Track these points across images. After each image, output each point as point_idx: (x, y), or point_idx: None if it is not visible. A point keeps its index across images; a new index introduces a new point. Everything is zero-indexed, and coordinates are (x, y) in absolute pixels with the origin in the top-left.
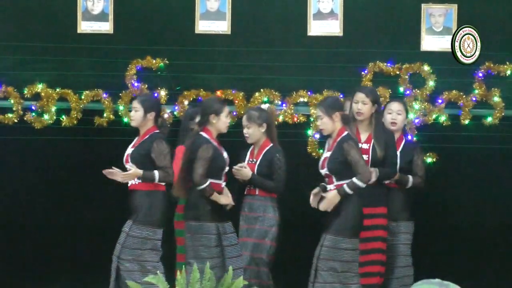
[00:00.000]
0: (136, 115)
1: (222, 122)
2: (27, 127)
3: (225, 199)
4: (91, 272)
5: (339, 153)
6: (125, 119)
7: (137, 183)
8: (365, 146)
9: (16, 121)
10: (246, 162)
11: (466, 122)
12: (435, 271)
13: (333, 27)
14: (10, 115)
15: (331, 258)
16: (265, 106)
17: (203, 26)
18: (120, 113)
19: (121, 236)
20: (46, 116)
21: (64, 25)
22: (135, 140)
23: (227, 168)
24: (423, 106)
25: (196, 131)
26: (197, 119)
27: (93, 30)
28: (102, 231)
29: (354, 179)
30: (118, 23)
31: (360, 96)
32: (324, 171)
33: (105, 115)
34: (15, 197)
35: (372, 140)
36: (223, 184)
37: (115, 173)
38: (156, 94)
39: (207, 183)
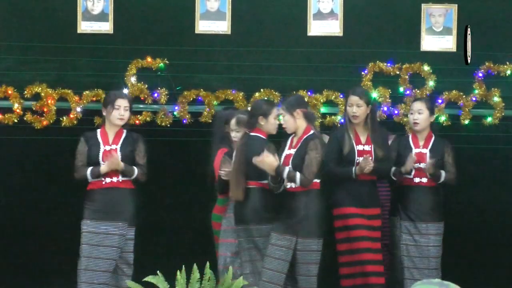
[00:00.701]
0: (127, 115)
1: (270, 124)
2: (27, 127)
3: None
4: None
5: (305, 150)
6: None
7: (121, 180)
8: (367, 148)
9: (16, 121)
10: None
11: (466, 122)
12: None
13: (333, 27)
14: (10, 115)
15: (306, 262)
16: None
17: (203, 26)
18: None
19: (120, 240)
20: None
21: (64, 25)
22: (99, 136)
23: (286, 168)
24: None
25: (245, 132)
26: (232, 121)
27: (93, 30)
28: None
29: (298, 174)
30: (118, 23)
31: (354, 99)
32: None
33: None
34: (15, 197)
35: (371, 142)
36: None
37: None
38: (156, 94)
39: (298, 175)
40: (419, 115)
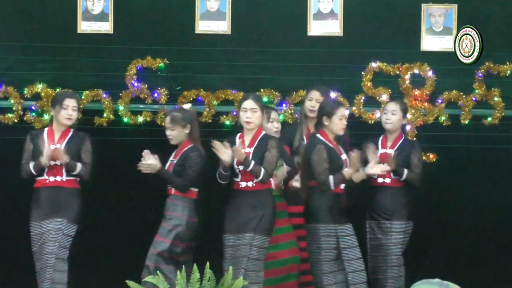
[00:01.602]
0: (75, 115)
1: (334, 124)
2: (27, 127)
3: (375, 168)
4: (91, 272)
5: (265, 148)
6: (125, 119)
7: (65, 179)
8: None
9: (16, 121)
10: (168, 163)
11: (466, 122)
12: (435, 271)
13: (333, 27)
14: (10, 115)
15: (259, 258)
16: (187, 106)
17: (203, 26)
18: (120, 113)
19: (57, 234)
20: (46, 116)
21: (64, 25)
22: (46, 134)
23: (346, 169)
24: (423, 106)
25: (313, 133)
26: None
27: (93, 30)
28: (102, 230)
29: (262, 169)
30: (118, 23)
31: (315, 94)
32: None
33: (105, 115)
34: (15, 197)
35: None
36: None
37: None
38: (156, 94)
39: (331, 179)
40: (392, 115)
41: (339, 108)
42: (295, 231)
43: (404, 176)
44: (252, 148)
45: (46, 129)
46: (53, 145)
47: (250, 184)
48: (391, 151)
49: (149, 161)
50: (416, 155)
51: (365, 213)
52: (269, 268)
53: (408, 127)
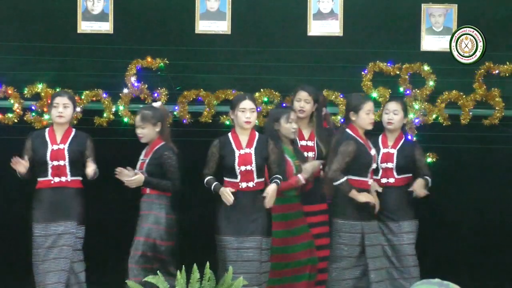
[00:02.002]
0: (66, 112)
1: (361, 119)
2: (27, 127)
3: (365, 197)
4: (91, 272)
5: (266, 149)
6: (125, 119)
7: (70, 180)
8: (310, 143)
9: (16, 121)
10: (139, 162)
11: (466, 122)
12: (435, 271)
13: (333, 27)
14: (10, 115)
15: (267, 260)
16: (157, 104)
17: (203, 26)
18: (120, 113)
19: (70, 238)
20: (46, 116)
21: (64, 25)
22: (47, 134)
23: (374, 165)
24: (423, 106)
25: (342, 128)
26: (282, 120)
27: (93, 30)
28: (101, 230)
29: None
30: (118, 23)
31: (303, 94)
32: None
33: (105, 115)
34: (15, 197)
35: (315, 138)
36: (370, 181)
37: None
38: (156, 94)
39: (343, 179)
40: (394, 115)
41: (366, 103)
42: (311, 229)
43: (430, 184)
44: (253, 149)
45: (47, 129)
46: (55, 145)
47: (250, 184)
48: (393, 151)
49: (134, 176)
50: (422, 156)
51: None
52: (286, 268)
53: (408, 127)
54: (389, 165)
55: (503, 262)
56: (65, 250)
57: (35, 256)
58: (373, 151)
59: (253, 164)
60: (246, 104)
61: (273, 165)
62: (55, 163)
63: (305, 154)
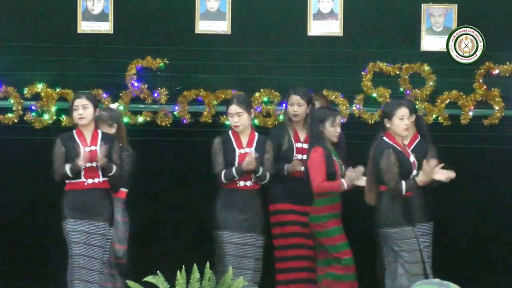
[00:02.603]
0: (86, 113)
1: (395, 125)
2: (27, 127)
3: (440, 174)
4: None
5: (263, 149)
6: (125, 119)
7: (102, 181)
8: (305, 146)
9: (16, 121)
10: None
11: (466, 122)
12: (435, 271)
13: (333, 27)
14: (10, 115)
15: (261, 258)
16: (114, 106)
17: (203, 26)
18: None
19: (101, 239)
20: (46, 116)
21: (64, 25)
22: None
23: (414, 172)
24: (423, 106)
25: (380, 137)
26: (327, 123)
27: (93, 30)
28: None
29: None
30: (118, 23)
31: (295, 98)
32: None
33: None
34: (15, 197)
35: (309, 140)
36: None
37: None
38: (156, 94)
39: (403, 186)
40: (408, 120)
41: (399, 108)
42: (304, 228)
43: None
44: (252, 148)
45: (75, 132)
46: (87, 147)
47: (248, 183)
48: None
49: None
50: (434, 155)
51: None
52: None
53: None
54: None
55: (503, 262)
56: (98, 250)
57: (71, 250)
58: (412, 158)
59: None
60: (232, 109)
61: (266, 163)
62: (88, 164)
63: (301, 156)
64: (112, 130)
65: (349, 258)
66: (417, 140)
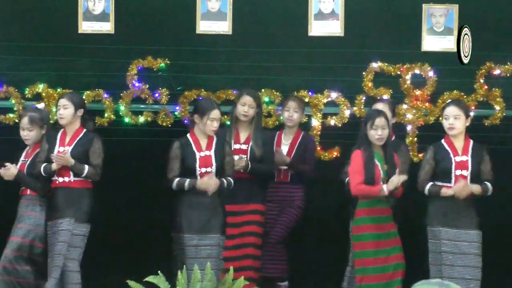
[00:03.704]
0: (66, 113)
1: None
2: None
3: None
4: (91, 272)
5: (222, 152)
6: (126, 119)
7: (72, 180)
8: (243, 146)
9: (17, 121)
10: (20, 163)
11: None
12: None
13: (334, 27)
14: (11, 115)
15: (221, 257)
16: (41, 106)
17: (204, 26)
18: (121, 113)
19: (64, 234)
20: None
21: (65, 25)
22: (59, 136)
23: (456, 171)
24: (424, 107)
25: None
26: (368, 125)
27: (94, 30)
28: (102, 230)
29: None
30: (119, 23)
31: (248, 99)
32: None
33: (106, 115)
34: (15, 198)
35: (251, 141)
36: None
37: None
38: (157, 95)
39: (428, 185)
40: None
41: (445, 108)
42: (252, 227)
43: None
44: (212, 151)
45: (61, 131)
46: (62, 147)
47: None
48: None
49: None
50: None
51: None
52: (383, 273)
53: (409, 127)
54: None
55: (504, 262)
56: (58, 246)
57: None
58: (459, 157)
59: (213, 166)
60: (216, 114)
61: (227, 166)
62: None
63: (237, 157)
64: (42, 131)
65: (366, 268)
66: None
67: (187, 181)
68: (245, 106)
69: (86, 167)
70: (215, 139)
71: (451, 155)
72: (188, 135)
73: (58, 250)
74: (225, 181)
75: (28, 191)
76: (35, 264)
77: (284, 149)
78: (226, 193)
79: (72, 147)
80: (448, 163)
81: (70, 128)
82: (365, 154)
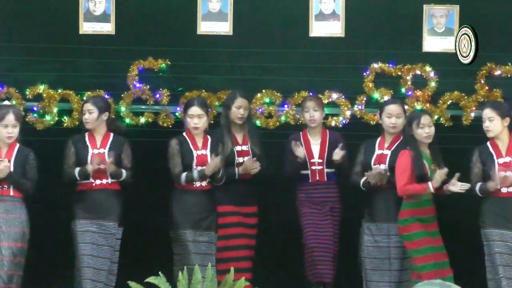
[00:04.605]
0: (91, 117)
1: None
2: (28, 128)
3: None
4: None
5: (216, 150)
6: (127, 120)
7: (110, 182)
8: (244, 148)
9: None
10: None
11: (468, 123)
12: None
13: (334, 28)
14: None
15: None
16: (8, 102)
17: (205, 27)
18: (121, 114)
19: (110, 238)
20: (48, 117)
21: (66, 26)
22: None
23: (500, 173)
24: (424, 107)
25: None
26: (414, 125)
27: (94, 31)
28: None
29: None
30: (119, 24)
31: (243, 102)
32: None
33: None
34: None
35: (248, 142)
36: (503, 189)
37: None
38: (158, 95)
39: (477, 186)
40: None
41: (483, 111)
42: (247, 229)
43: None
44: (208, 150)
45: (86, 134)
46: (96, 149)
47: (204, 184)
48: (509, 159)
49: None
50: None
51: (363, 215)
52: (434, 269)
53: None
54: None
55: None
56: (107, 250)
57: (78, 250)
58: (502, 159)
59: None
60: (194, 110)
61: (220, 164)
62: (97, 167)
63: (242, 159)
64: (16, 130)
65: (426, 265)
66: (398, 141)
67: (196, 172)
68: (241, 109)
69: (124, 171)
70: (209, 138)
71: (495, 157)
72: (184, 133)
73: (107, 255)
74: (221, 170)
75: (12, 192)
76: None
77: (315, 149)
78: (216, 183)
79: (107, 150)
80: (491, 165)
81: (97, 131)
82: (412, 154)
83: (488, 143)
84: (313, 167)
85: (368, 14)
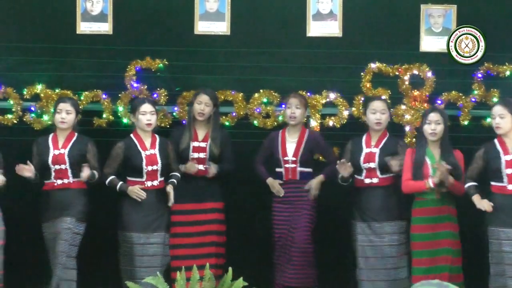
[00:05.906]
0: (68, 118)
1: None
2: (26, 128)
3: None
4: (91, 272)
5: (166, 151)
6: (125, 120)
7: (72, 181)
8: (202, 144)
9: (15, 122)
10: None
11: (466, 123)
12: None
13: (332, 28)
14: (9, 116)
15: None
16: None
17: (202, 27)
18: (119, 114)
19: (66, 233)
20: (45, 117)
21: (63, 26)
22: (51, 140)
23: (507, 170)
24: (422, 107)
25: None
26: (423, 120)
27: (92, 31)
28: (102, 230)
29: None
30: (117, 24)
31: (205, 98)
32: None
33: (104, 116)
34: (15, 198)
35: (209, 139)
36: (510, 186)
37: (27, 169)
38: (156, 95)
39: (467, 184)
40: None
41: (493, 108)
42: (210, 226)
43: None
44: (156, 150)
45: (51, 135)
46: (56, 150)
47: (155, 183)
48: (375, 150)
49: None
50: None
51: (354, 214)
52: (435, 273)
53: (407, 128)
54: (372, 165)
55: None
56: (61, 244)
57: (48, 253)
58: (510, 156)
59: (159, 164)
60: (146, 107)
61: (173, 163)
62: (57, 166)
63: (197, 155)
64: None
65: (417, 268)
66: (385, 138)
67: (119, 185)
68: (201, 105)
69: (96, 173)
70: (157, 138)
71: (501, 154)
72: (132, 135)
73: (62, 248)
74: (175, 180)
75: None
76: None
77: (291, 147)
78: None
79: (67, 150)
80: (498, 162)
81: (64, 132)
82: (416, 152)
83: (495, 140)
84: (287, 165)
85: (365, 14)
